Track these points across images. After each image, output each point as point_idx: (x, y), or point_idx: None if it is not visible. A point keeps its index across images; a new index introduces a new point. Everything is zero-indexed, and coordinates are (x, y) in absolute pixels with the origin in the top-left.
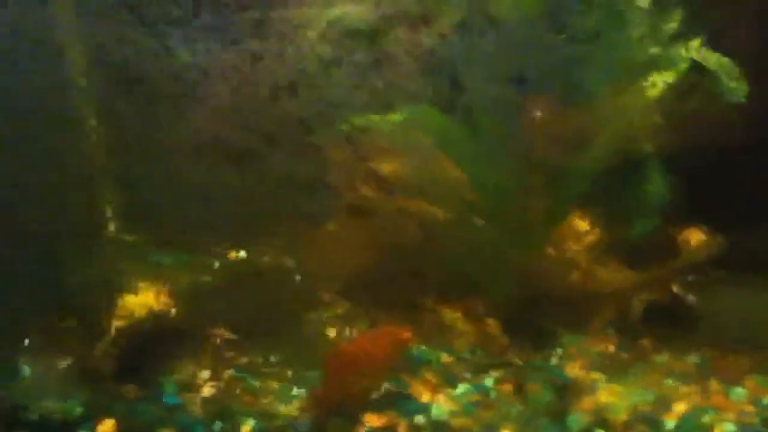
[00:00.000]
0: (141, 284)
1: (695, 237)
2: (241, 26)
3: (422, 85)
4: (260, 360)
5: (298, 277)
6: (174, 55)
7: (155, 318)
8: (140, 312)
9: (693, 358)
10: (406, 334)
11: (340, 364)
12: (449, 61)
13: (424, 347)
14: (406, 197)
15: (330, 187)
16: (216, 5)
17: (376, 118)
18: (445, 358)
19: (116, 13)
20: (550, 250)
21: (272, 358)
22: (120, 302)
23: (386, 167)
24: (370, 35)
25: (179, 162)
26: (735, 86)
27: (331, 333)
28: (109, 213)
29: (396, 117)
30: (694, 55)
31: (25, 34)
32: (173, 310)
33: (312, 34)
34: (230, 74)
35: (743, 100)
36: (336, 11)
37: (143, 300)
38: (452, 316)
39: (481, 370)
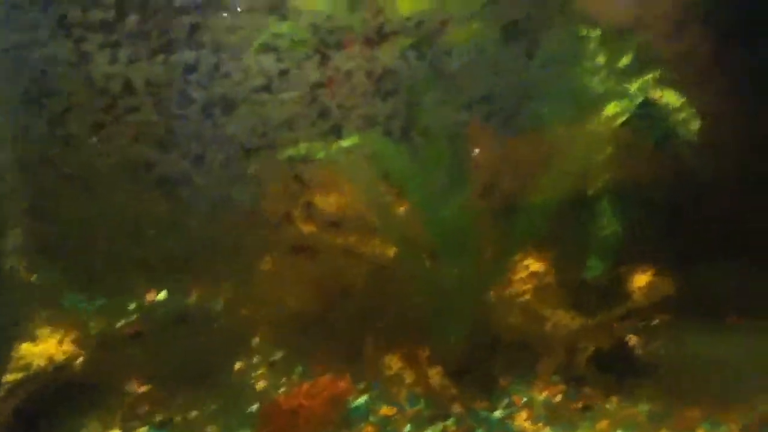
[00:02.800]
0: (44, 331)
1: (646, 279)
2: (172, 33)
3: (376, 107)
4: (179, 417)
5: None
6: (92, 64)
7: (57, 369)
8: (39, 363)
9: (643, 407)
10: (346, 386)
11: (275, 420)
12: (406, 82)
13: (364, 398)
14: (350, 233)
15: (267, 220)
16: (144, 8)
17: (318, 146)
18: (386, 410)
19: (26, 13)
20: (499, 292)
21: (195, 413)
22: (16, 352)
23: (329, 199)
24: (321, 50)
25: (97, 188)
26: (687, 123)
27: (263, 384)
28: (9, 247)
29: (341, 144)
30: (648, 90)
31: None
32: (79, 360)
33: (254, 46)
34: (158, 87)
35: (694, 137)
36: (285, 22)
37: (44, 349)
38: (395, 363)
39: (424, 422)
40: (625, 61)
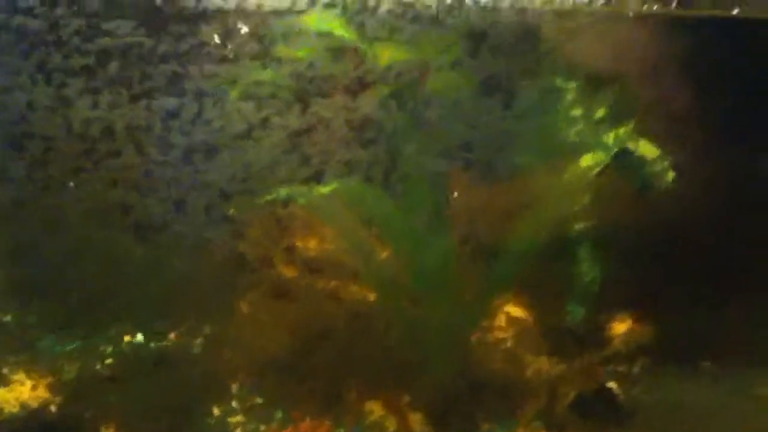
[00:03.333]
0: (17, 375)
1: (624, 325)
2: (154, 79)
3: (358, 154)
4: None
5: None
6: (72, 109)
7: (31, 415)
8: (12, 409)
9: None
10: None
11: None
12: (386, 130)
13: None
14: (330, 277)
15: (246, 263)
16: (125, 55)
17: (299, 190)
18: None
19: (7, 57)
20: (480, 337)
21: None
22: None
23: (310, 243)
24: (302, 97)
25: (74, 231)
26: (662, 173)
27: (242, 430)
28: None
29: (323, 189)
30: (623, 141)
31: None
32: (53, 406)
33: (235, 93)
34: (138, 132)
35: (669, 185)
36: (266, 71)
37: (17, 394)
38: (376, 409)
39: None
40: (600, 112)
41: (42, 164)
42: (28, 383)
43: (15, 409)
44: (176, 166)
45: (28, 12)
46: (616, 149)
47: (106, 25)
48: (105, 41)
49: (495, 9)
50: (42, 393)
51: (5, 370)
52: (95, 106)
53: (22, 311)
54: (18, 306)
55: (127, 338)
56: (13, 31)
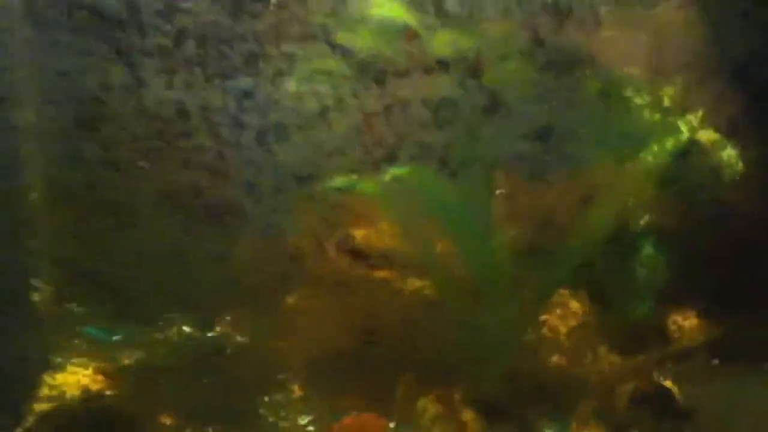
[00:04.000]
0: (76, 361)
1: (689, 322)
2: (230, 59)
3: (436, 137)
4: None
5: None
6: (147, 89)
7: (89, 400)
8: (71, 393)
9: None
10: (381, 425)
11: None
12: (464, 113)
13: None
14: (388, 268)
15: (301, 252)
16: (202, 35)
17: (357, 179)
18: None
19: (82, 39)
20: (538, 331)
21: None
22: (46, 382)
23: (368, 233)
24: (380, 77)
25: (142, 216)
26: (731, 163)
27: (293, 420)
28: (40, 280)
29: (383, 178)
30: (694, 128)
31: None
32: (111, 392)
33: (312, 73)
34: (212, 113)
35: (737, 177)
36: (330, 57)
37: (75, 379)
38: (429, 404)
39: None
40: (668, 100)
41: (114, 145)
42: (87, 369)
43: (75, 393)
44: (248, 147)
45: None
46: (685, 138)
47: (184, 4)
48: (182, 21)
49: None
50: (100, 378)
51: (63, 357)
52: (170, 86)
53: (79, 298)
54: (76, 293)
55: (182, 328)
56: (89, 11)
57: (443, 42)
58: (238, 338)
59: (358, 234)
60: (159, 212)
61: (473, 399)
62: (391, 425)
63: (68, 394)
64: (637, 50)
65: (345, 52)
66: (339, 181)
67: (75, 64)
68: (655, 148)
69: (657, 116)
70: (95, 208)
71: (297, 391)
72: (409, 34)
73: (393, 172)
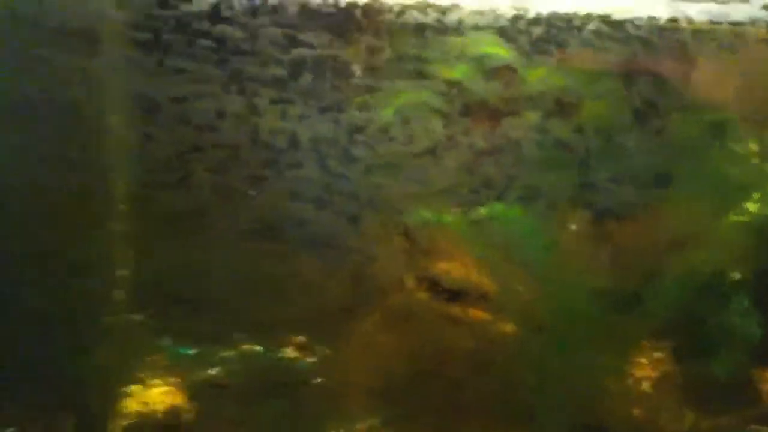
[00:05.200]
0: (154, 377)
1: None
2: (344, 92)
3: (545, 180)
4: None
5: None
6: (261, 118)
7: (170, 417)
8: (154, 409)
9: None
10: None
11: None
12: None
13: None
14: (465, 304)
15: (377, 283)
16: (319, 68)
17: (444, 215)
18: None
19: (201, 65)
20: (615, 383)
21: None
22: (128, 397)
23: (448, 267)
24: (494, 115)
25: (241, 243)
26: None
27: None
28: (121, 293)
29: (474, 215)
30: None
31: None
32: (190, 409)
33: (388, 110)
34: (323, 144)
35: None
36: (457, 86)
37: (157, 396)
38: None
39: None
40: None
41: (225, 172)
42: (163, 385)
43: (158, 409)
44: (355, 180)
45: (229, 20)
46: None
47: (303, 36)
48: (300, 52)
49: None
50: (177, 395)
51: (144, 373)
52: (284, 116)
53: (158, 315)
54: (152, 307)
55: (247, 347)
56: (213, 39)
57: (537, 78)
58: (304, 363)
59: (440, 267)
60: (258, 240)
61: None
62: None
63: (149, 411)
64: (731, 92)
65: (451, 88)
66: (424, 213)
67: (191, 91)
68: (757, 197)
69: (762, 165)
70: (196, 232)
71: (363, 421)
72: (505, 71)
73: (481, 210)
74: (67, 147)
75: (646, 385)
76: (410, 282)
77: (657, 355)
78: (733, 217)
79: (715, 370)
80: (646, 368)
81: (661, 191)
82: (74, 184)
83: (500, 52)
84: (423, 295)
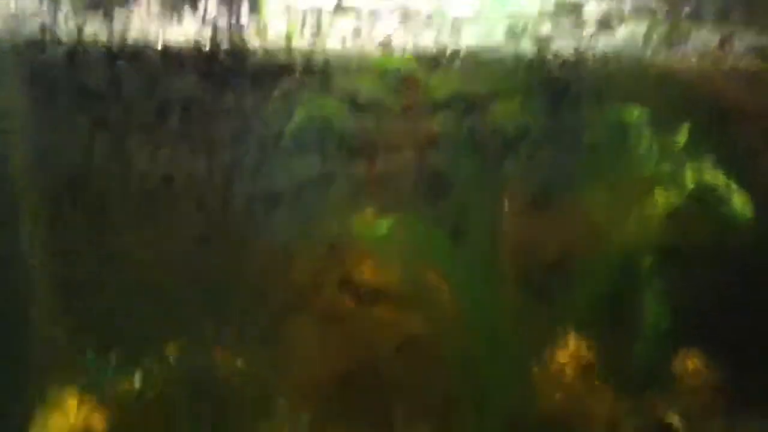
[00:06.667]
0: (66, 393)
1: (691, 364)
2: (216, 134)
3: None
4: None
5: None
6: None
7: None
8: (62, 429)
9: None
10: None
11: None
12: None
13: None
14: (385, 305)
15: (300, 287)
16: (187, 110)
17: (359, 224)
18: None
19: (73, 110)
20: (536, 371)
21: None
22: (40, 418)
23: (363, 272)
24: (369, 153)
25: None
26: (741, 209)
27: None
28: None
29: (377, 229)
30: (703, 174)
31: None
32: (105, 426)
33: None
34: (198, 185)
35: (748, 222)
36: (334, 125)
37: (70, 415)
38: None
39: None
40: (676, 145)
41: (98, 212)
42: (76, 400)
43: (66, 428)
44: (236, 220)
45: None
46: (692, 184)
47: (166, 80)
48: (165, 95)
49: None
50: (89, 411)
51: (55, 388)
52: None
53: (73, 328)
54: (65, 317)
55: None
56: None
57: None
58: (236, 365)
59: (356, 271)
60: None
61: None
62: None
63: (69, 426)
64: (642, 90)
65: (345, 96)
66: (330, 227)
67: (61, 138)
68: (665, 190)
69: (666, 161)
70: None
71: (292, 420)
72: (409, 79)
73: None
74: None
75: (567, 371)
76: (329, 285)
77: (576, 341)
78: (643, 209)
79: (632, 354)
80: (568, 357)
81: (573, 188)
82: None
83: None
84: (342, 297)
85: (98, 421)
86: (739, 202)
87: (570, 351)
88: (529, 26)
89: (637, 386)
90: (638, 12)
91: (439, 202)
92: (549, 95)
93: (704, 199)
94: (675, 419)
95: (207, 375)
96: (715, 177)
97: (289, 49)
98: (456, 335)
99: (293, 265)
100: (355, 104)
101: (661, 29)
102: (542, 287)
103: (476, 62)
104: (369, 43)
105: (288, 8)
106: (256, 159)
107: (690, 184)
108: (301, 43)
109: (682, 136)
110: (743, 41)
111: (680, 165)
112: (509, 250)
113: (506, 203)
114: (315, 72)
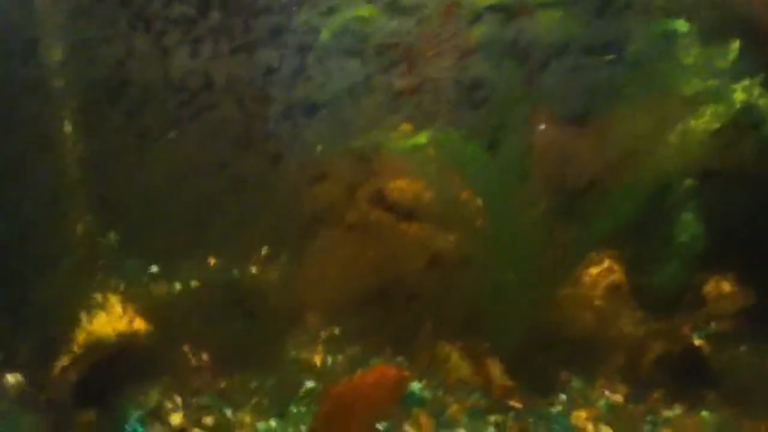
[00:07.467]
0: (111, 297)
1: (723, 287)
2: (256, 31)
3: (462, 115)
4: (236, 387)
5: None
6: (171, 58)
7: (124, 337)
8: (106, 330)
9: (706, 416)
10: (405, 374)
11: (335, 408)
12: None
13: (418, 385)
14: (414, 221)
15: (331, 203)
16: (228, 5)
17: (390, 136)
18: (440, 399)
19: (105, 6)
20: (565, 289)
21: (251, 385)
22: (85, 318)
23: (397, 187)
24: (409, 55)
25: (165, 181)
26: None
27: (317, 360)
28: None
29: (415, 138)
30: (750, 93)
31: None
32: (144, 328)
33: (340, 48)
34: (238, 85)
35: None
36: (371, 25)
37: (111, 316)
38: (451, 353)
39: (479, 413)
40: (723, 63)
41: (139, 114)
42: (119, 307)
43: (111, 330)
44: (275, 121)
45: None
46: (739, 104)
47: None
48: None
49: None
50: (132, 316)
51: (99, 295)
52: (195, 56)
53: (116, 236)
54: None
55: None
56: None
57: None
58: (268, 278)
59: (390, 186)
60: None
61: (497, 350)
62: (413, 373)
63: (103, 331)
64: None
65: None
66: (372, 137)
67: (98, 32)
68: (707, 112)
69: (709, 80)
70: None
71: (323, 332)
72: None
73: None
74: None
75: (597, 292)
76: (362, 199)
77: (608, 264)
78: (681, 131)
79: (662, 277)
80: (598, 276)
81: (611, 104)
82: None
83: None
84: (374, 212)
85: (140, 324)
86: None
87: (600, 270)
88: None
89: (667, 308)
90: None
91: (477, 113)
92: (593, 4)
93: (749, 119)
94: (702, 342)
95: (241, 286)
96: (764, 97)
97: None
98: (486, 252)
99: (327, 177)
100: (395, 7)
101: None
102: (575, 205)
103: None
104: None
105: None
106: (292, 65)
107: (737, 104)
108: None
109: (732, 52)
110: None
111: (728, 83)
112: (544, 165)
113: (544, 117)
114: None
